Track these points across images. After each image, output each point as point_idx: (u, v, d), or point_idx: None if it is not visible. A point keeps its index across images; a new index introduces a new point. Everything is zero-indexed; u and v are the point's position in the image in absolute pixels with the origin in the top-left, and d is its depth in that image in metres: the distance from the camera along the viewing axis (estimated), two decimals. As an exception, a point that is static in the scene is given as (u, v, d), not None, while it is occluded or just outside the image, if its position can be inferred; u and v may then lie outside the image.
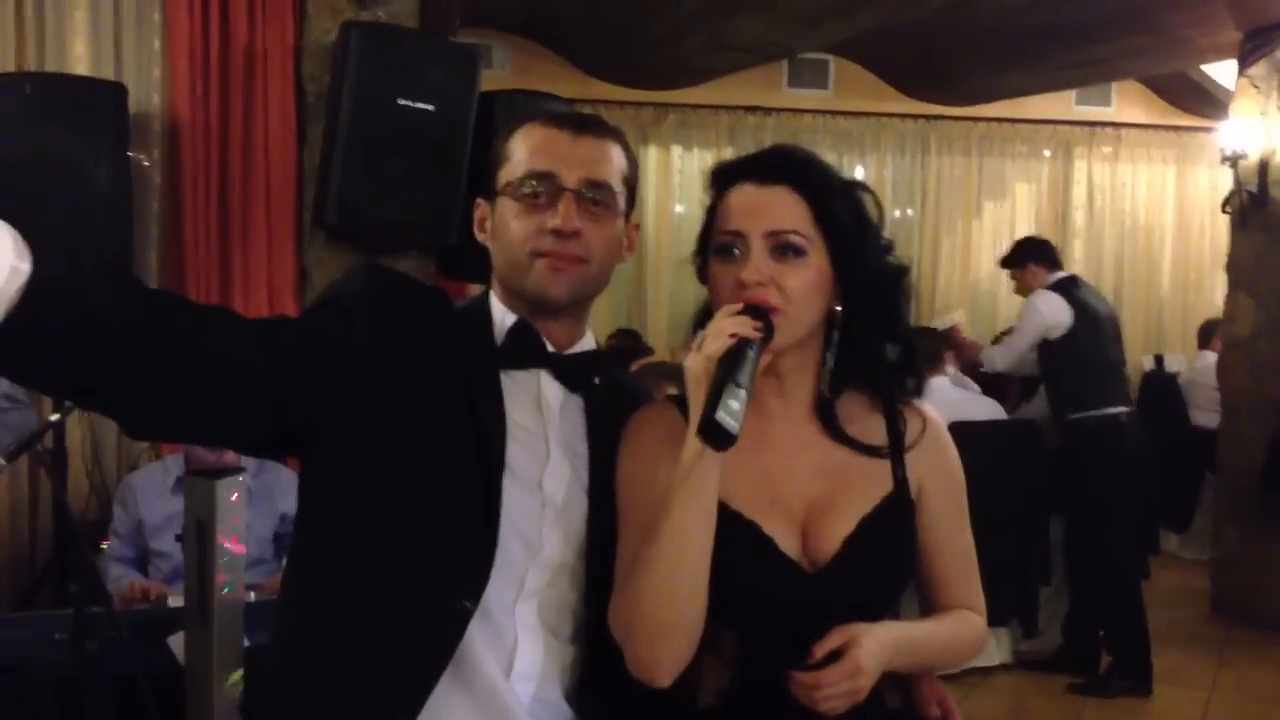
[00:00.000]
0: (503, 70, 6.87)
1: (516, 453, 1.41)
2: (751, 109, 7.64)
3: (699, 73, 7.06)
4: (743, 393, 1.25)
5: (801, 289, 1.37)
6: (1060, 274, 5.11)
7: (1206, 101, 7.96)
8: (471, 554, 1.35)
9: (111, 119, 3.39)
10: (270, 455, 2.40)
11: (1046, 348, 4.96)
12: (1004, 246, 8.33)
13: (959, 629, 1.51)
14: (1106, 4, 5.88)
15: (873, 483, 1.44)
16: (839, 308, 1.42)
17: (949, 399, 4.88)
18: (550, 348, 1.48)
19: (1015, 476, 4.79)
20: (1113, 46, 6.53)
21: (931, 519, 1.48)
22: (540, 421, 1.45)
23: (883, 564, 1.42)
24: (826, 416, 1.45)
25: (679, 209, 7.70)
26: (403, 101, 3.51)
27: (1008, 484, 4.70)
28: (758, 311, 1.33)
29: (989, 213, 8.48)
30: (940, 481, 1.49)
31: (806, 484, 1.43)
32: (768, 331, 1.33)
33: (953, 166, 8.27)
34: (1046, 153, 8.46)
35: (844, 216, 1.41)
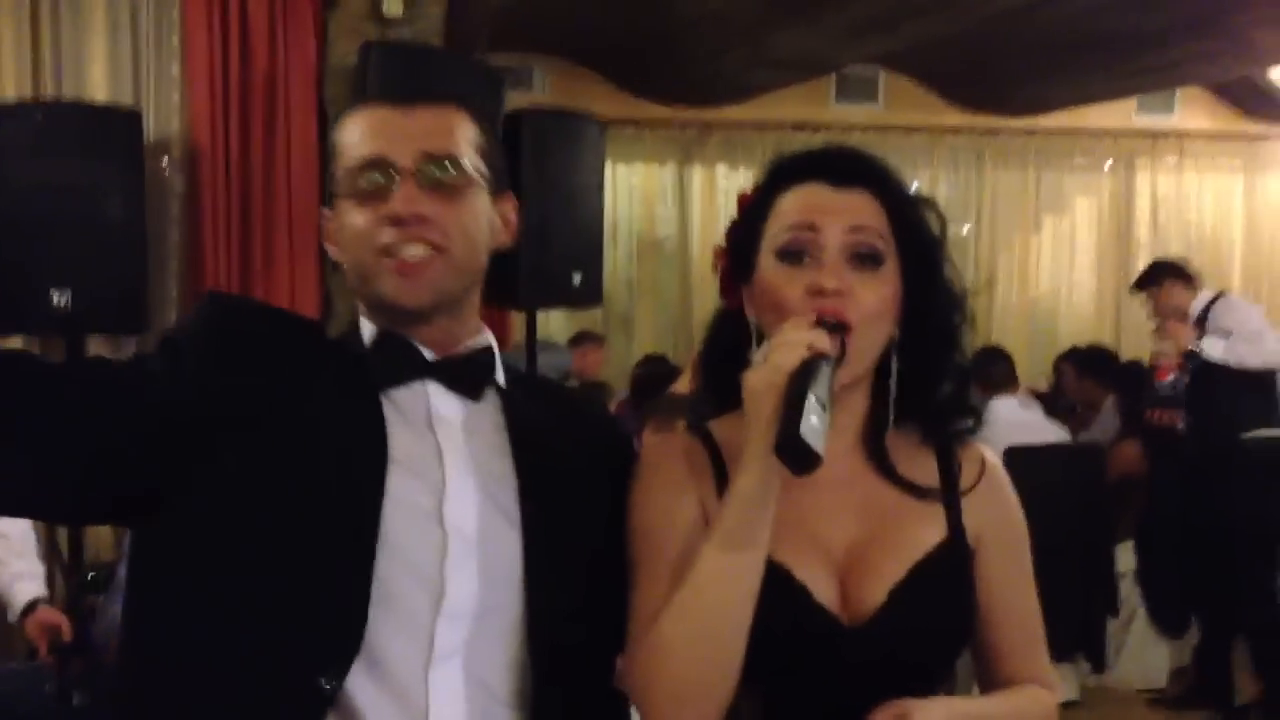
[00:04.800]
0: (543, 92, 6.75)
1: (403, 482, 1.19)
2: (799, 126, 7.41)
3: (743, 89, 6.90)
4: (822, 410, 1.09)
5: (877, 305, 1.21)
6: (1206, 293, 4.87)
7: (1276, 106, 7.64)
8: (332, 616, 1.13)
9: (125, 146, 3.31)
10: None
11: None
12: (1065, 262, 8.30)
13: (1026, 707, 1.31)
14: (1170, 8, 5.62)
15: (925, 527, 1.26)
16: (897, 333, 1.26)
17: (1016, 419, 4.70)
18: (429, 354, 1.27)
19: (1080, 502, 4.56)
20: (1176, 52, 6.26)
21: (991, 576, 1.29)
22: (433, 442, 1.24)
23: (935, 621, 1.23)
24: (877, 451, 1.27)
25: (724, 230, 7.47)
26: (424, 122, 3.40)
27: (1072, 510, 4.48)
28: (833, 327, 1.16)
29: (1048, 228, 8.18)
30: (1001, 532, 1.30)
31: (848, 525, 1.25)
32: (842, 352, 1.16)
33: (1009, 181, 7.98)
34: (1107, 164, 8.14)
35: (923, 230, 1.26)
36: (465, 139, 1.26)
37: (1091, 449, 4.86)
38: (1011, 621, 1.30)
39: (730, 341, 1.28)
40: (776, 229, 1.23)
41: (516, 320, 4.17)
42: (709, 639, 1.14)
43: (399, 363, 1.25)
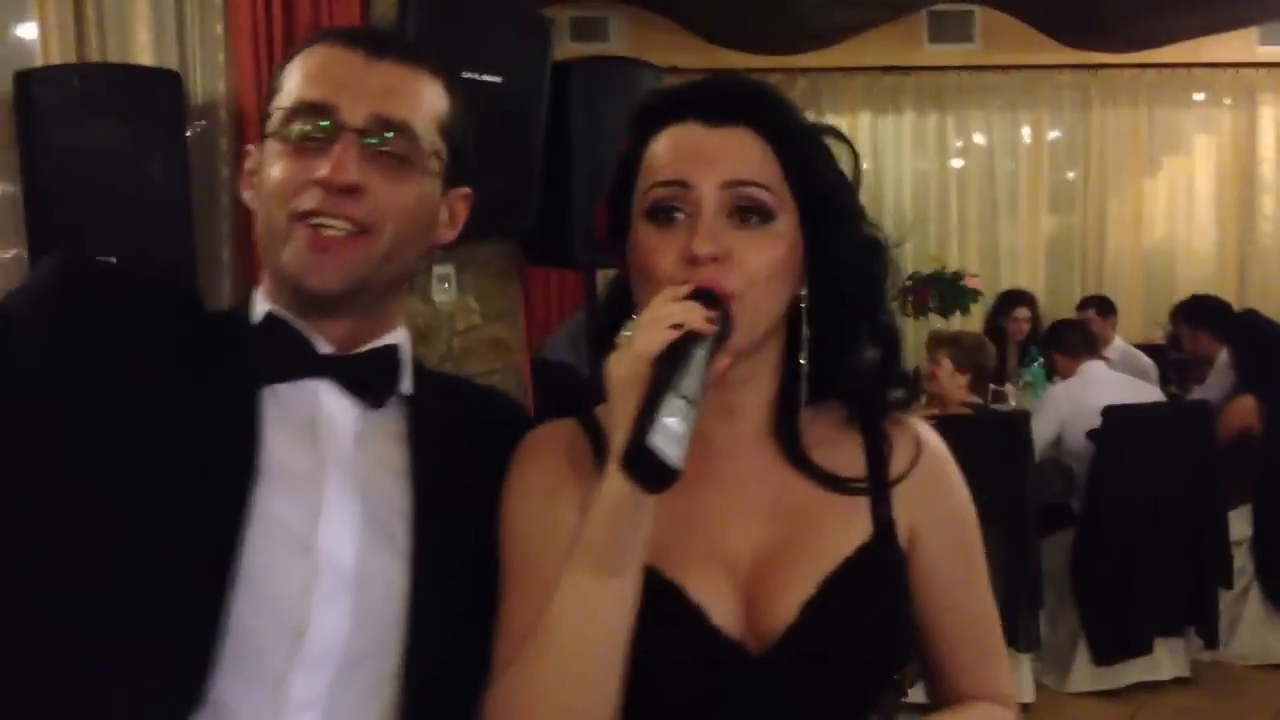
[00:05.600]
0: (620, 43, 6.55)
1: (273, 499, 1.01)
2: (888, 69, 7.10)
3: (829, 33, 6.60)
4: (686, 407, 0.89)
5: (768, 267, 1.02)
6: None
7: None
8: (171, 661, 0.95)
9: (166, 109, 3.23)
10: None
11: None
12: (1182, 207, 7.80)
13: None
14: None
15: (845, 527, 1.07)
16: (804, 293, 1.06)
17: (1107, 380, 4.43)
18: (325, 348, 1.09)
19: (1187, 465, 4.22)
20: (1302, -27, 5.77)
21: (931, 579, 1.10)
22: (314, 453, 1.05)
23: (857, 639, 1.04)
24: (790, 438, 1.07)
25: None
26: (467, 74, 3.24)
27: (1179, 473, 4.17)
28: (711, 298, 0.96)
29: (1164, 170, 7.68)
30: (943, 526, 1.11)
31: (755, 529, 1.06)
32: (724, 326, 0.96)
33: (1119, 120, 7.49)
34: (1227, 100, 7.58)
35: (824, 170, 1.05)
36: (430, 109, 1.10)
37: (1199, 407, 4.49)
38: (960, 630, 1.12)
39: (621, 316, 1.09)
40: (645, 184, 1.04)
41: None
42: (571, 681, 0.95)
43: (287, 354, 1.08)
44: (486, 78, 3.26)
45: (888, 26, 6.64)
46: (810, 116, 1.09)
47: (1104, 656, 4.15)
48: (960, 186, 7.37)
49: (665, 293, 0.97)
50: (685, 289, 0.97)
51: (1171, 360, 5.61)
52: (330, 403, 1.08)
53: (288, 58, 1.14)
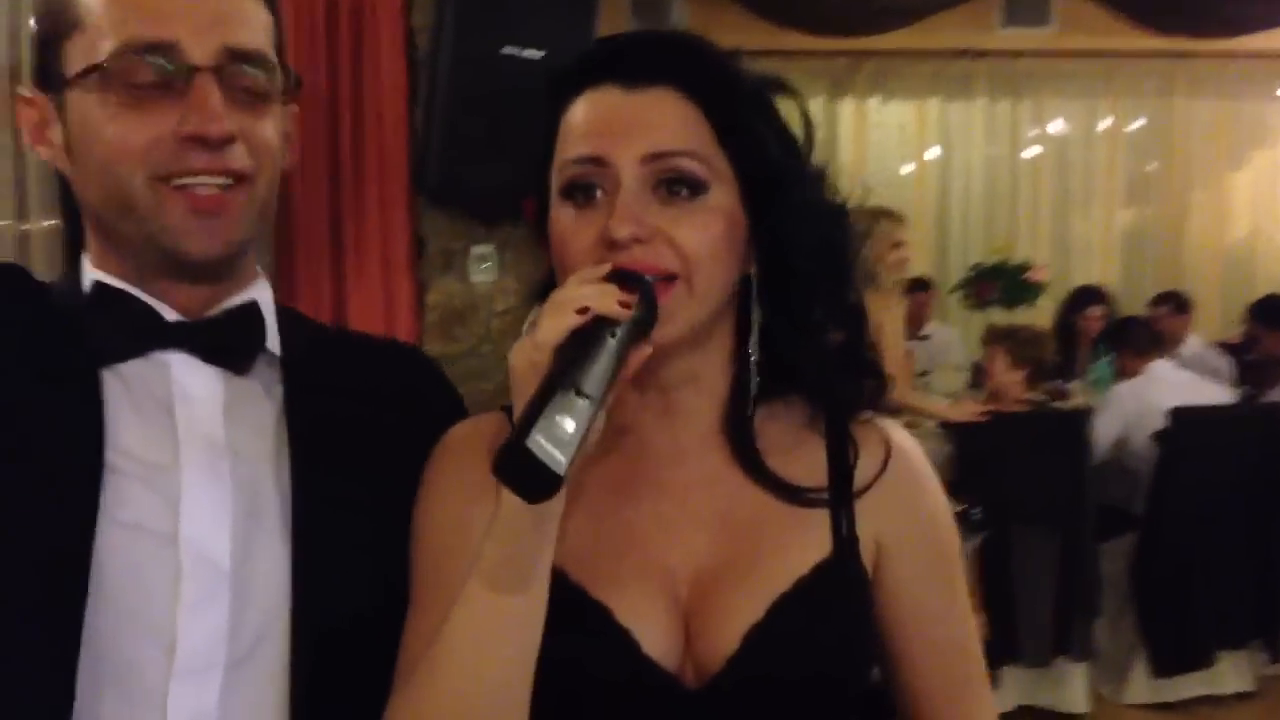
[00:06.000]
0: (680, 24, 6.43)
1: (125, 490, 0.91)
2: (960, 53, 6.87)
3: (898, 14, 6.43)
4: (586, 405, 0.78)
5: (704, 246, 0.91)
6: None
7: None
8: (28, 685, 0.85)
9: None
10: None
11: None
12: (1266, 202, 7.48)
13: None
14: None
15: (802, 542, 0.95)
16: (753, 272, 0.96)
17: (1175, 380, 4.25)
18: (170, 315, 0.98)
19: (1256, 471, 4.05)
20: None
21: (900, 599, 0.99)
22: (171, 437, 0.94)
23: (808, 672, 0.92)
24: (739, 441, 0.96)
25: (877, 165, 6.99)
26: (509, 50, 3.19)
27: (1246, 479, 4.01)
28: (633, 280, 0.86)
29: (1252, 163, 7.37)
30: (915, 540, 1.00)
31: (697, 544, 0.95)
32: (647, 313, 0.86)
33: (1204, 111, 7.20)
34: (1319, 91, 7.28)
35: (762, 130, 0.93)
36: (265, 25, 0.99)
37: (1270, 410, 4.30)
38: (935, 659, 1.00)
39: None
40: (560, 160, 0.94)
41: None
42: (465, 709, 0.85)
43: (127, 328, 0.97)
44: (528, 53, 3.19)
45: (960, 8, 6.43)
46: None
47: (1164, 668, 4.01)
48: (1032, 176, 7.16)
49: (581, 273, 0.88)
50: (602, 269, 0.87)
51: (1247, 360, 5.38)
52: (187, 376, 0.98)
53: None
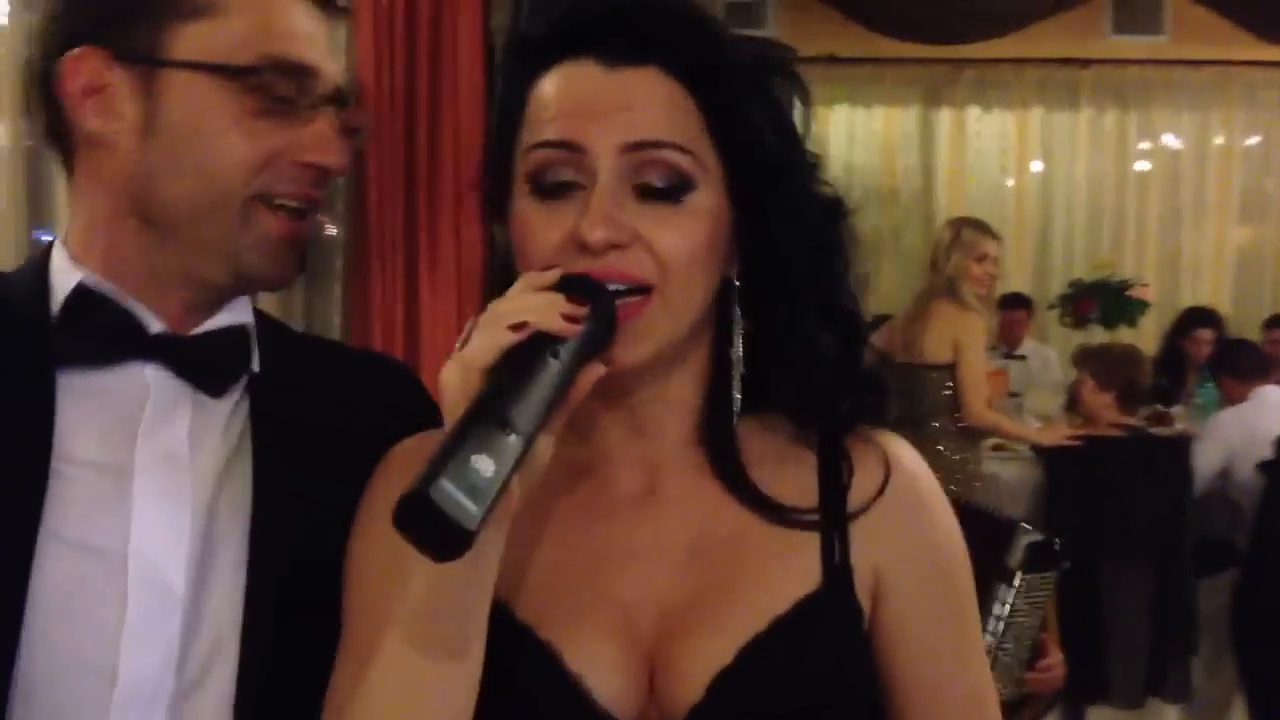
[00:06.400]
0: (773, 30, 6.34)
1: (73, 504, 0.86)
2: (1065, 61, 6.65)
3: (1000, 20, 6.25)
4: (513, 442, 0.68)
5: (687, 252, 0.81)
6: None
7: None
8: None
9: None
10: None
11: None
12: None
13: None
14: None
15: (786, 573, 0.84)
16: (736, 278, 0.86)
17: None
18: (156, 326, 0.93)
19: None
20: None
21: (902, 639, 0.87)
22: (127, 449, 0.89)
23: None
24: (719, 452, 0.86)
25: (975, 178, 6.84)
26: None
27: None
28: (584, 289, 0.76)
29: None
30: (920, 572, 0.88)
31: (667, 574, 0.84)
32: (601, 329, 0.76)
33: (1326, 125, 6.86)
34: None
35: (758, 118, 0.83)
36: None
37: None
38: (943, 710, 0.88)
39: None
40: (527, 142, 0.83)
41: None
42: None
43: (102, 335, 0.92)
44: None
45: (1066, 14, 6.26)
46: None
47: (1264, 713, 3.78)
48: (1140, 191, 6.88)
49: (526, 277, 0.78)
50: (550, 275, 0.77)
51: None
52: (159, 391, 0.92)
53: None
